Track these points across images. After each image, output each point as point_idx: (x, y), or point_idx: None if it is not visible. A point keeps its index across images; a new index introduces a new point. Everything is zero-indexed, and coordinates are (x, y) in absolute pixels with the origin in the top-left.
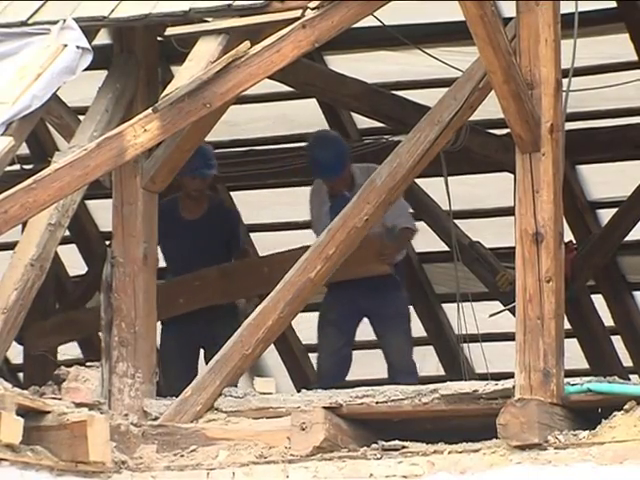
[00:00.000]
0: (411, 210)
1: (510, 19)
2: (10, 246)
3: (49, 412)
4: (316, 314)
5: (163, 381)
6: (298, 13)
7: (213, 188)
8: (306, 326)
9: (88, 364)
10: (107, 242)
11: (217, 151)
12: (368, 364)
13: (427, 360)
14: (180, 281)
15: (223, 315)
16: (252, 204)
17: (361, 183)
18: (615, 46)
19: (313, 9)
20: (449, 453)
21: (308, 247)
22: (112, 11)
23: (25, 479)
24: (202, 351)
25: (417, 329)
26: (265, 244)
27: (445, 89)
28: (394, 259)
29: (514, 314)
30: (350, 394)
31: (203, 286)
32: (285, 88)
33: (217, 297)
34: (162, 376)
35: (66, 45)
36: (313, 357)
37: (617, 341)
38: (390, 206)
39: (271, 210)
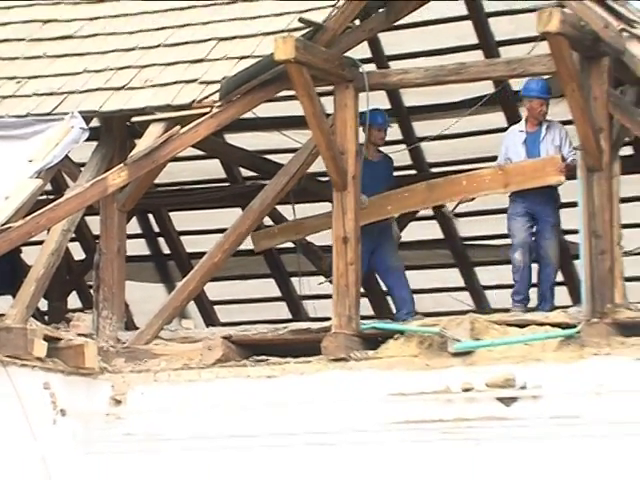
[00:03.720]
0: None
1: (330, 114)
2: (39, 242)
3: (62, 339)
4: (218, 284)
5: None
6: (208, 109)
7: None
8: (214, 291)
9: (85, 311)
10: (97, 241)
11: (160, 189)
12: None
13: (283, 310)
14: (391, 194)
15: (386, 232)
16: (183, 221)
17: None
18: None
19: (217, 107)
20: (294, 363)
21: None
22: (100, 106)
23: (48, 378)
24: None
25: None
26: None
27: (293, 154)
28: (567, 175)
29: (332, 283)
30: (237, 329)
31: (410, 196)
32: (201, 153)
33: (420, 205)
34: None
35: (73, 127)
36: (217, 308)
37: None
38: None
39: (198, 225)
